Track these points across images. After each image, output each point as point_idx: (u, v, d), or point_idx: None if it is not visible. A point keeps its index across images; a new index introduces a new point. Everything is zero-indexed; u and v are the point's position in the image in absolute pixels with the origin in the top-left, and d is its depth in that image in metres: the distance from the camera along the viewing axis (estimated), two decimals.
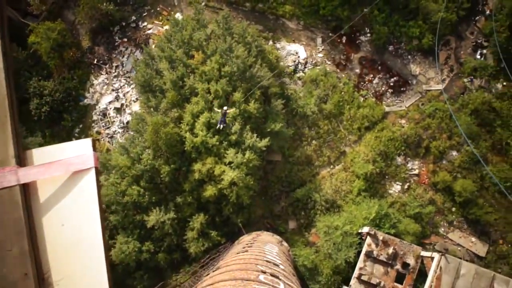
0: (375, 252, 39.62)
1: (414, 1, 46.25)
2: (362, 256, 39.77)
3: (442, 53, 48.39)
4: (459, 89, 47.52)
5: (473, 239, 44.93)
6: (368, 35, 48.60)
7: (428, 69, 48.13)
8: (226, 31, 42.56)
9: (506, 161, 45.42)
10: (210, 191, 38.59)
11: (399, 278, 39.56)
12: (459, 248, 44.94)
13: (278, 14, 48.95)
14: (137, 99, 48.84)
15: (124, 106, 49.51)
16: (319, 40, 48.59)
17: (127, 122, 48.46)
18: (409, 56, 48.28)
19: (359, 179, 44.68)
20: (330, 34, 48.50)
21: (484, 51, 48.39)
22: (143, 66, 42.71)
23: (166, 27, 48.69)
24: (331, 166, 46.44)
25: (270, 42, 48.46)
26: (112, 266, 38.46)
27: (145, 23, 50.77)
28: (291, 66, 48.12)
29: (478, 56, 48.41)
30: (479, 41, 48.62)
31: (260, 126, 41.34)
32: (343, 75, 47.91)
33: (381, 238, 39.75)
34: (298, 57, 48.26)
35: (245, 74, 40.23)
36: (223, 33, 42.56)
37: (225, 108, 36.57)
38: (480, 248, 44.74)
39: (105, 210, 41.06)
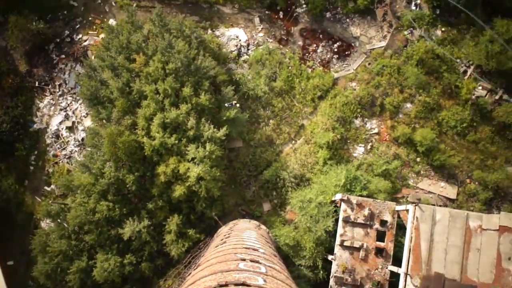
0: (352, 217, 41.45)
1: None
2: (340, 223, 41.55)
3: (378, 11, 50.37)
4: (401, 42, 49.69)
5: (442, 183, 47.46)
6: (304, 6, 50.09)
7: (368, 29, 50.03)
8: (162, 28, 43.18)
9: (458, 103, 47.90)
10: (179, 190, 39.57)
11: (380, 236, 41.55)
12: (430, 196, 47.44)
13: (211, 2, 49.85)
14: (87, 113, 49.05)
15: (76, 124, 49.65)
16: (256, 20, 49.75)
17: (82, 139, 48.71)
18: (348, 19, 50.05)
19: (322, 149, 46.41)
20: (267, 12, 49.63)
21: (418, 1, 50.52)
22: (86, 80, 42.97)
23: (102, 35, 48.84)
24: (293, 142, 48.05)
25: (209, 31, 49.34)
26: (98, 286, 39.25)
27: (80, 36, 50.73)
28: (234, 51, 49.18)
29: (414, 7, 50.61)
30: None
31: (215, 116, 42.41)
32: (287, 50, 49.32)
33: (354, 201, 41.59)
34: (240, 40, 49.36)
35: (190, 67, 41.09)
36: (160, 31, 43.18)
37: None
38: (450, 191, 47.37)
39: (78, 232, 41.59)
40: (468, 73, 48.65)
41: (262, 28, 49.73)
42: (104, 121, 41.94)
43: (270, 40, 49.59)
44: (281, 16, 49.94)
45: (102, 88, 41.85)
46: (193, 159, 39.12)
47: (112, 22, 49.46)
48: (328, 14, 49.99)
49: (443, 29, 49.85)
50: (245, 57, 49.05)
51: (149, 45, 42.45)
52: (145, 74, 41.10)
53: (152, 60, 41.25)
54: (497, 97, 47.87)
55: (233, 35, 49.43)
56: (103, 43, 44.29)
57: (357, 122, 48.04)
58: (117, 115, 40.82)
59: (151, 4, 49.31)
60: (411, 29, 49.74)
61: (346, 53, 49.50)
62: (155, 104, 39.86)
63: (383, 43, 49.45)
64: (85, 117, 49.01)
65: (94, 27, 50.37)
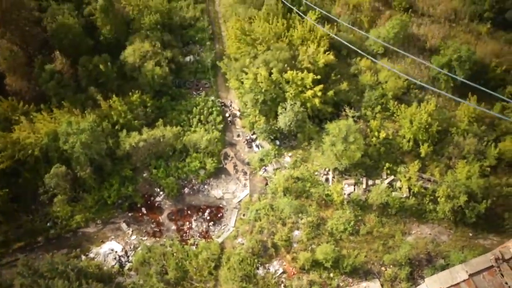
0: None
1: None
2: None
3: (228, 166, 56.41)
4: (262, 182, 55.31)
5: (364, 284, 49.46)
6: (161, 193, 54.53)
7: (227, 185, 55.32)
8: (33, 275, 43.93)
9: (337, 208, 53.07)
10: None
11: None
12: None
13: (73, 228, 52.33)
14: None
15: None
16: (124, 226, 52.77)
17: None
18: (206, 186, 55.15)
19: None
20: (130, 214, 53.20)
21: (258, 142, 57.85)
22: None
23: None
24: None
25: (83, 257, 50.89)
26: None
27: None
28: (115, 264, 50.79)
29: (256, 149, 57.58)
30: (248, 138, 58.08)
31: None
32: (165, 239, 52.13)
33: None
34: (116, 252, 51.36)
35: None
36: (33, 279, 43.68)
37: None
38: (374, 286, 49.85)
39: None
40: (330, 179, 54.76)
41: (132, 231, 52.56)
42: None
43: (145, 238, 52.31)
44: (145, 212, 53.56)
45: None
46: None
47: None
48: (186, 190, 54.73)
49: (289, 154, 56.78)
50: (128, 265, 50.68)
51: None
52: None
53: None
54: (364, 186, 53.86)
55: (108, 250, 51.44)
56: None
57: (261, 271, 50.35)
58: None
59: (13, 257, 50.31)
60: (264, 167, 55.94)
61: (219, 215, 53.52)
62: None
63: (247, 191, 54.59)
64: None
65: None
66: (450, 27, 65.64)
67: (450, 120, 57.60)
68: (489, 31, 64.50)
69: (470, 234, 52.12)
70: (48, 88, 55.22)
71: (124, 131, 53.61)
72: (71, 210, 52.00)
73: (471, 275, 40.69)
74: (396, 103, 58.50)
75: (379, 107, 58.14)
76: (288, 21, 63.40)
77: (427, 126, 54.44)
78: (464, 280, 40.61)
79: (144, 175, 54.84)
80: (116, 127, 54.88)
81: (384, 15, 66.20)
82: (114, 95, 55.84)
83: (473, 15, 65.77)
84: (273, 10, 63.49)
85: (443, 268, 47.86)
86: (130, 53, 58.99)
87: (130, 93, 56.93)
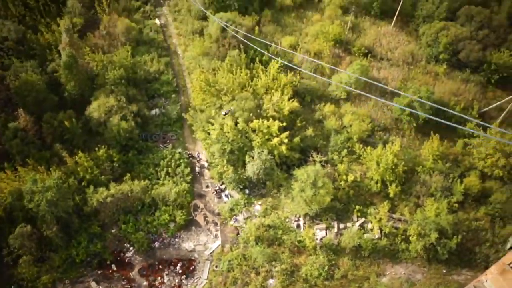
0: None
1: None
2: None
3: (199, 217, 57.00)
4: (233, 232, 55.98)
5: None
6: (131, 248, 54.48)
7: (198, 237, 55.75)
8: None
9: (310, 254, 53.94)
10: None
11: None
12: None
13: None
14: None
15: None
16: (93, 284, 52.26)
17: None
18: (176, 239, 55.41)
19: None
20: (100, 272, 52.86)
21: (227, 192, 58.91)
22: None
23: None
24: None
25: None
26: None
27: None
28: None
29: (226, 199, 58.51)
30: (217, 188, 59.14)
31: None
32: None
33: None
34: None
35: None
36: None
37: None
38: None
39: None
40: (302, 225, 55.87)
41: None
42: None
43: None
44: (115, 268, 53.22)
45: None
46: None
47: None
48: (157, 244, 54.88)
49: (259, 202, 57.88)
50: None
51: None
52: None
53: None
54: (335, 230, 55.12)
55: None
56: None
57: None
58: None
59: None
60: (235, 217, 56.80)
61: (191, 268, 53.57)
62: None
63: (218, 242, 55.08)
64: None
65: None
66: (409, 69, 69.38)
67: (416, 159, 60.08)
68: (445, 72, 68.44)
69: (444, 271, 53.60)
70: (12, 146, 55.49)
71: (91, 187, 53.82)
72: (37, 270, 51.20)
73: None
74: (361, 146, 60.82)
75: (345, 150, 60.24)
76: (252, 71, 65.91)
77: (393, 167, 56.57)
78: None
79: (113, 231, 54.89)
80: (83, 183, 55.10)
81: (345, 61, 69.54)
82: (80, 151, 56.29)
83: (429, 57, 69.91)
84: (236, 61, 66.01)
85: None
86: (95, 108, 60.02)
87: (96, 149, 57.47)
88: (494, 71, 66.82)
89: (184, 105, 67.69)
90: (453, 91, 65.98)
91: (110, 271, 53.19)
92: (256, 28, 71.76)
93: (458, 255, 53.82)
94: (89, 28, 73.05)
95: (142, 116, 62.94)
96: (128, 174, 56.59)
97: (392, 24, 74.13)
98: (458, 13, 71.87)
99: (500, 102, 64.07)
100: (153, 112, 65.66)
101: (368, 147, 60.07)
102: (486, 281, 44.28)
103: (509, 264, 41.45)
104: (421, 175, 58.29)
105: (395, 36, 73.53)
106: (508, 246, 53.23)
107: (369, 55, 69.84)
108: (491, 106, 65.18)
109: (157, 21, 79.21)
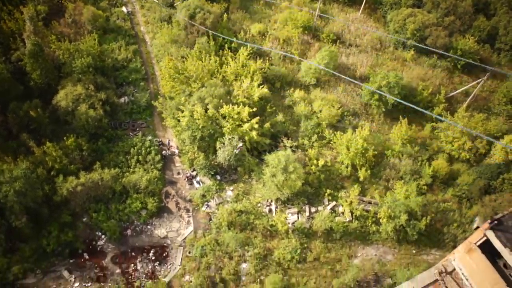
0: None
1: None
2: None
3: (170, 204, 58.54)
4: (205, 218, 57.71)
5: None
6: (103, 236, 55.64)
7: (171, 224, 57.27)
8: None
9: (282, 238, 55.96)
10: None
11: None
12: None
13: (10, 281, 50.94)
14: None
15: None
16: (65, 273, 53.05)
17: None
18: (149, 226, 56.77)
19: None
20: (71, 261, 53.91)
21: (198, 178, 60.58)
22: None
23: None
24: None
25: None
26: None
27: None
28: None
29: (197, 185, 60.20)
30: (188, 175, 60.75)
31: None
32: (110, 284, 52.99)
33: None
34: None
35: None
36: None
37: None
38: None
39: None
40: (274, 210, 58.01)
41: (75, 278, 52.87)
42: None
43: (89, 284, 52.81)
44: (87, 257, 54.36)
45: None
46: None
47: None
48: (129, 232, 56.16)
49: (231, 188, 59.76)
50: None
51: None
52: None
53: None
54: (307, 214, 57.41)
55: None
56: None
57: None
58: None
59: None
60: (206, 203, 58.54)
61: (164, 255, 55.05)
62: None
63: (191, 228, 56.71)
64: None
65: None
66: (377, 55, 72.16)
67: (385, 143, 62.92)
68: (413, 57, 71.51)
69: (414, 251, 56.43)
70: None
71: (61, 176, 54.63)
72: (7, 261, 51.76)
73: None
74: (331, 131, 63.33)
75: (315, 136, 62.65)
76: (221, 58, 67.65)
77: (363, 151, 59.18)
78: None
79: (84, 219, 55.95)
80: (52, 172, 55.82)
81: (314, 47, 71.89)
82: (47, 141, 57.00)
83: (397, 43, 72.83)
84: (205, 48, 67.64)
85: (391, 287, 51.78)
86: (63, 97, 60.74)
87: (65, 138, 58.27)
88: (460, 56, 69.96)
89: (153, 93, 69.01)
90: (421, 76, 69.05)
91: (82, 260, 54.20)
92: (225, 15, 73.34)
93: (427, 235, 56.55)
94: (54, 16, 73.42)
95: (111, 104, 63.94)
96: (98, 163, 57.58)
97: (360, 11, 76.68)
98: (425, 0, 74.89)
99: (466, 86, 67.42)
100: (122, 100, 66.75)
101: (338, 132, 62.47)
102: (454, 260, 46.99)
103: (475, 243, 44.19)
104: (390, 158, 61.08)
105: (363, 22, 76.13)
106: (475, 225, 56.12)
107: (338, 41, 72.24)
108: (457, 91, 68.41)
109: (124, 9, 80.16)
